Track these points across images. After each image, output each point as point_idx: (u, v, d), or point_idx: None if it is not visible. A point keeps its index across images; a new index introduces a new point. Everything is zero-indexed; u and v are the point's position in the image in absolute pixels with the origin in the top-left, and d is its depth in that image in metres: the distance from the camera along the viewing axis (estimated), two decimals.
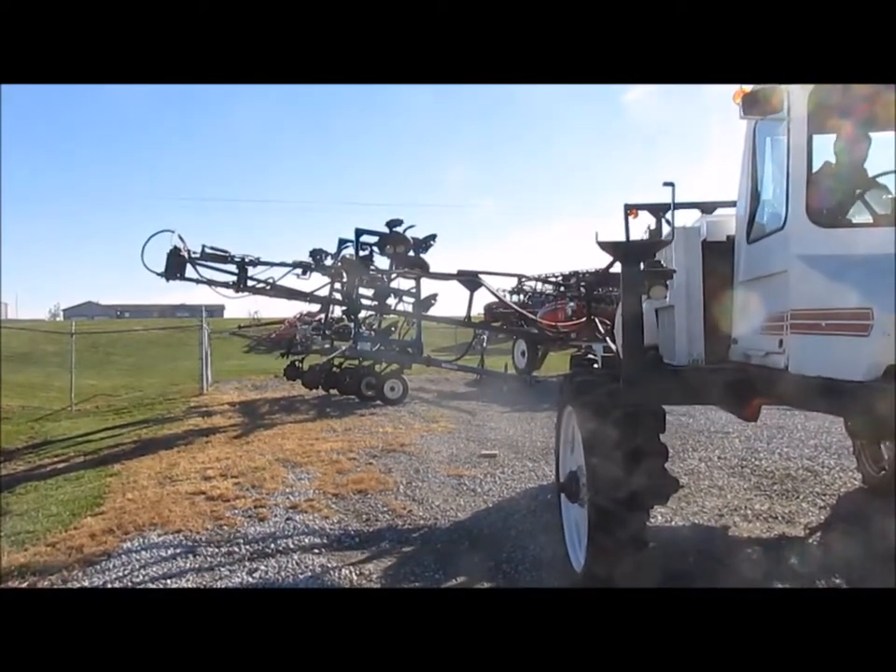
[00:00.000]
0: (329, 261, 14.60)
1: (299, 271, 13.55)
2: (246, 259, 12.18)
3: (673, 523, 5.77)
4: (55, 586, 4.76)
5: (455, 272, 13.01)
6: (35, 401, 15.87)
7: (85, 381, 18.68)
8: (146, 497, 6.99)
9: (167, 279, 11.40)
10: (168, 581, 4.83)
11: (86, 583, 4.82)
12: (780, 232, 3.88)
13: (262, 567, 5.03)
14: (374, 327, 16.09)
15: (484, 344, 17.46)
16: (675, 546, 5.15)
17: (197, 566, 5.10)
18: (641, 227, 6.24)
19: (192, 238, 11.74)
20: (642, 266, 4.11)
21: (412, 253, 13.66)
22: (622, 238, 5.84)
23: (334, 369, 15.52)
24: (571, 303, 16.23)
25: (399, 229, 13.54)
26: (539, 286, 24.86)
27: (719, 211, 5.59)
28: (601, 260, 10.73)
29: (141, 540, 5.66)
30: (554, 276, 24.54)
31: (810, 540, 5.38)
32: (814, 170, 3.88)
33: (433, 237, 14.06)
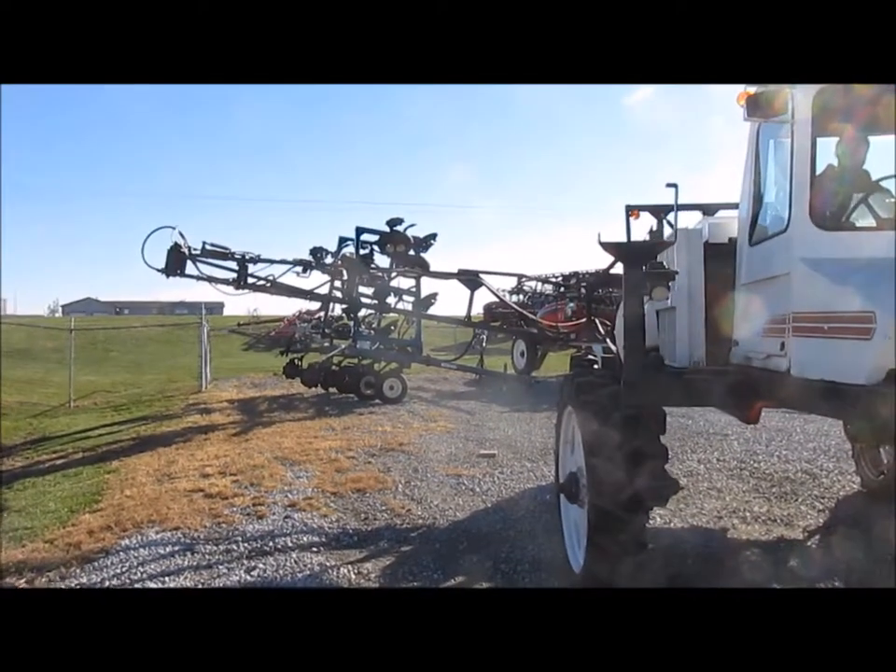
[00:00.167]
0: (329, 260, 14.60)
1: (299, 269, 13.52)
2: (247, 257, 12.16)
3: (672, 524, 5.77)
4: (53, 585, 4.76)
5: (455, 271, 13.00)
6: (34, 397, 15.86)
7: (84, 377, 18.68)
8: (144, 493, 6.99)
9: (167, 275, 11.37)
10: (166, 579, 4.82)
11: (84, 580, 4.81)
12: (783, 235, 3.87)
13: (260, 566, 5.03)
14: (374, 325, 16.08)
15: (484, 344, 17.45)
16: (674, 548, 5.15)
17: (195, 563, 5.10)
18: (643, 228, 6.24)
19: (193, 235, 11.74)
20: (644, 267, 4.10)
21: (412, 252, 13.66)
22: (623, 239, 5.82)
23: (333, 367, 15.51)
24: (571, 304, 16.24)
25: (400, 228, 13.54)
26: (539, 286, 24.84)
27: (721, 213, 5.57)
28: (602, 261, 10.72)
29: (139, 538, 5.66)
30: (555, 277, 24.53)
31: (809, 543, 5.38)
32: (817, 173, 3.87)
33: (433, 236, 14.07)
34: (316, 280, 19.45)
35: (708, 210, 5.65)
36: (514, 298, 25.34)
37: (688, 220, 5.61)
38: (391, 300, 14.40)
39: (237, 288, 12.17)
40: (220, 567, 5.04)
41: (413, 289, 14.02)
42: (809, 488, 6.75)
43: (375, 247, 13.85)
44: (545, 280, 23.89)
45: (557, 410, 5.34)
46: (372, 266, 14.17)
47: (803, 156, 3.75)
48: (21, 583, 4.75)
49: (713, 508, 6.19)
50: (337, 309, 16.35)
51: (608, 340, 8.04)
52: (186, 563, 5.11)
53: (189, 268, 11.60)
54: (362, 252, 13.99)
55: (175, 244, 11.25)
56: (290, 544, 5.50)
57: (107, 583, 4.78)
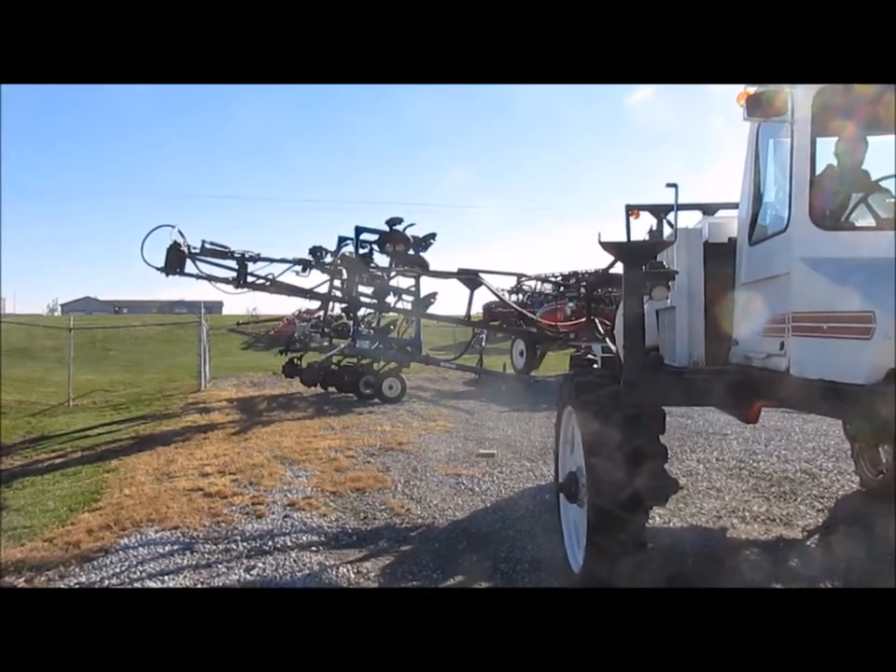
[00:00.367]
0: (328, 259, 14.59)
1: (298, 268, 13.53)
2: (246, 255, 12.17)
3: (671, 524, 5.77)
4: (52, 584, 4.75)
5: (454, 270, 13.00)
6: (33, 396, 15.84)
7: (83, 376, 18.67)
8: (143, 493, 6.99)
9: (167, 274, 11.37)
10: (165, 578, 4.82)
11: (83, 579, 4.81)
12: (783, 235, 3.87)
13: (260, 565, 5.03)
14: (373, 325, 16.08)
15: (483, 344, 17.45)
16: (673, 547, 5.15)
17: (194, 562, 5.10)
18: (643, 228, 6.24)
19: (192, 234, 11.73)
20: (644, 267, 4.10)
21: (411, 251, 13.66)
22: (623, 239, 5.82)
23: (333, 366, 15.50)
24: (570, 303, 16.24)
25: (399, 227, 13.55)
26: (539, 285, 24.83)
27: (721, 213, 5.57)
28: (602, 261, 10.73)
29: (138, 537, 5.66)
30: (554, 276, 24.52)
31: (808, 543, 5.38)
32: (817, 172, 3.87)
33: (433, 236, 14.07)
34: (316, 279, 19.50)
35: (708, 210, 5.66)
36: (514, 297, 25.30)
37: (688, 220, 5.62)
38: (390, 299, 14.41)
39: (236, 287, 12.17)
40: (219, 566, 5.04)
41: (413, 289, 14.02)
42: (808, 488, 6.75)
43: (375, 247, 13.86)
44: (544, 279, 23.87)
45: (557, 409, 5.34)
46: (372, 265, 14.17)
47: (802, 155, 3.75)
48: (21, 582, 4.75)
49: (712, 507, 6.19)
50: (336, 308, 16.34)
51: (607, 339, 8.05)
52: (185, 562, 5.11)
53: (189, 267, 11.61)
54: (362, 251, 13.99)
55: (175, 242, 11.25)
56: (290, 543, 5.50)
57: (106, 582, 4.78)
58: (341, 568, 4.97)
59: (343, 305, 15.28)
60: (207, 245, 11.83)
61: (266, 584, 4.71)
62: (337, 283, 14.75)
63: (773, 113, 3.78)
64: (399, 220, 13.56)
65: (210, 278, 12.04)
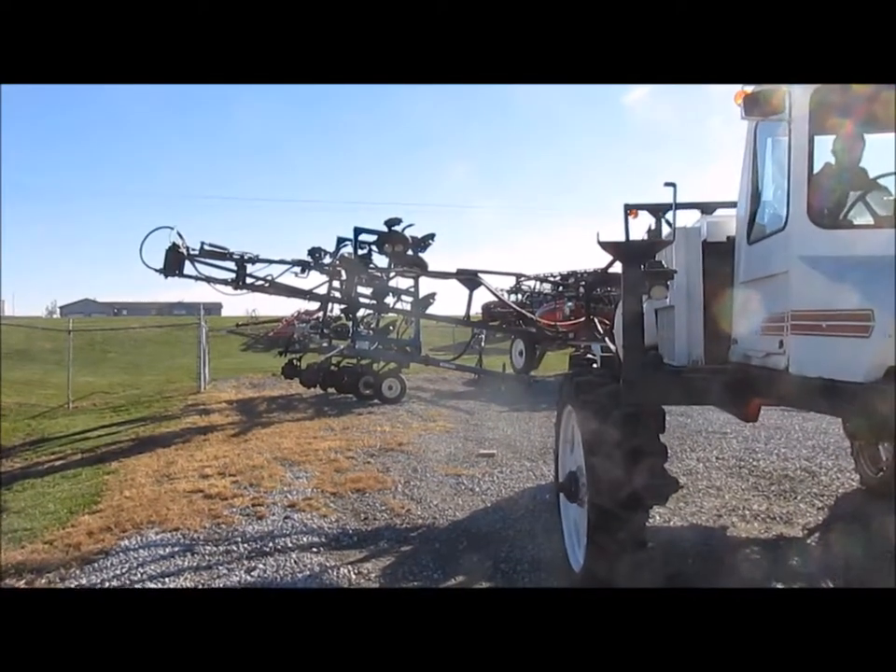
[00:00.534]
0: (327, 260, 14.59)
1: (297, 269, 13.52)
2: (245, 257, 12.15)
3: (672, 523, 5.78)
4: (53, 585, 4.75)
5: (454, 271, 13.01)
6: (33, 398, 15.83)
7: (82, 378, 18.67)
8: (143, 494, 6.99)
9: (165, 276, 11.35)
10: (166, 580, 4.82)
11: (83, 581, 4.81)
12: (781, 233, 3.87)
13: (260, 566, 5.03)
14: (372, 325, 16.08)
15: (482, 344, 17.45)
16: (674, 546, 5.15)
17: (195, 564, 5.10)
18: (641, 227, 6.24)
19: (191, 235, 11.72)
20: (643, 266, 4.11)
21: (410, 252, 13.66)
22: (622, 238, 5.83)
23: (332, 367, 15.50)
24: (570, 303, 16.26)
25: (398, 228, 13.55)
26: (538, 285, 24.84)
27: (719, 211, 5.58)
28: (600, 261, 10.74)
29: (139, 538, 5.65)
30: (553, 276, 24.52)
31: (808, 541, 5.39)
32: (815, 171, 3.87)
33: (432, 236, 14.07)
34: (315, 280, 19.45)
35: (707, 209, 5.66)
36: (513, 297, 25.29)
37: (686, 219, 5.62)
38: (390, 299, 14.42)
39: (236, 289, 12.15)
40: (220, 567, 5.04)
41: (412, 289, 14.02)
42: (808, 486, 6.76)
43: (373, 247, 13.86)
44: (543, 279, 23.88)
45: (556, 409, 5.35)
46: (371, 266, 14.18)
47: (800, 154, 3.75)
48: (21, 585, 4.75)
49: (712, 506, 6.20)
50: (336, 309, 16.36)
51: (606, 339, 8.05)
52: (186, 563, 5.11)
53: (188, 268, 11.59)
54: (360, 252, 14.00)
55: (174, 244, 11.23)
56: (290, 544, 5.50)
57: (107, 584, 4.77)
58: (341, 569, 4.97)
59: (343, 306, 15.30)
60: (206, 247, 11.81)
61: (267, 585, 4.71)
62: (336, 284, 14.74)
63: (770, 111, 3.78)
64: (398, 221, 13.57)
65: (209, 280, 12.02)
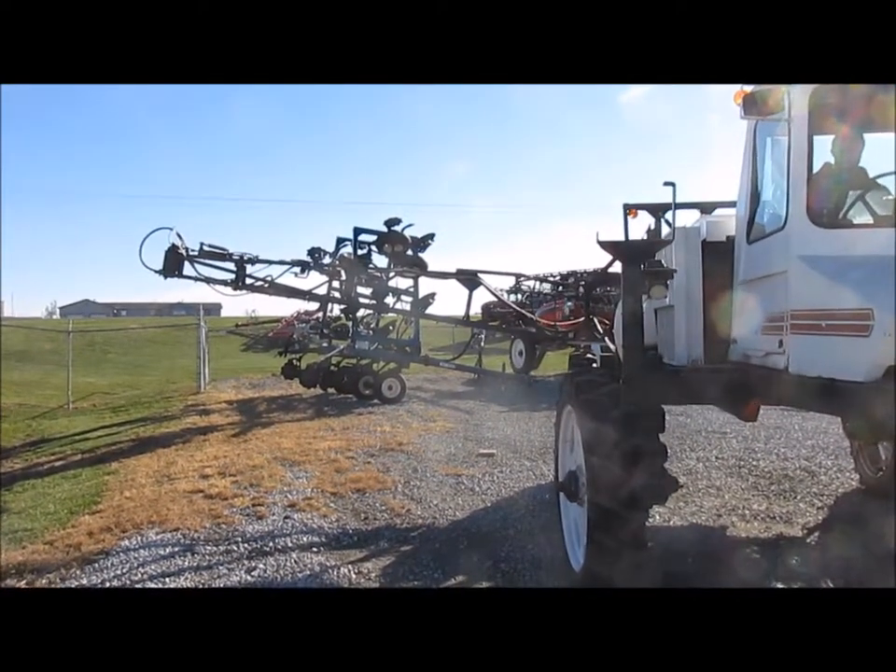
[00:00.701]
0: (327, 260, 14.59)
1: (297, 269, 13.53)
2: (245, 257, 12.15)
3: (672, 523, 5.78)
4: (53, 585, 4.75)
5: (453, 271, 13.01)
6: (33, 399, 15.84)
7: (82, 379, 18.67)
8: (143, 495, 6.99)
9: (165, 277, 11.35)
10: (166, 580, 4.82)
11: (84, 582, 4.81)
12: (780, 233, 3.87)
13: (261, 566, 5.03)
14: (372, 326, 16.08)
15: (482, 344, 17.46)
16: (674, 546, 5.15)
17: (195, 564, 5.10)
18: (641, 227, 6.25)
19: (190, 236, 11.71)
20: (642, 266, 4.11)
21: (410, 252, 13.66)
22: (621, 238, 5.83)
23: (332, 367, 15.50)
24: (569, 303, 16.26)
25: (398, 227, 13.55)
26: (538, 285, 24.85)
27: (718, 211, 5.58)
28: (600, 261, 10.74)
29: (139, 539, 5.65)
30: (553, 276, 24.52)
31: (808, 540, 5.39)
32: (814, 170, 3.88)
33: (431, 236, 14.07)
34: (315, 280, 19.42)
35: (706, 208, 5.66)
36: (512, 297, 25.30)
37: (686, 219, 5.62)
38: (389, 300, 14.42)
39: (235, 289, 12.16)
40: (220, 567, 5.04)
41: (412, 289, 14.02)
42: (808, 486, 6.76)
43: (373, 247, 13.86)
44: (543, 279, 23.89)
45: (556, 409, 5.35)
46: (370, 266, 14.18)
47: (799, 153, 3.76)
48: (22, 585, 4.75)
49: (712, 506, 6.20)
50: (335, 309, 16.36)
51: (606, 339, 8.06)
52: (186, 564, 5.11)
53: (187, 269, 11.59)
54: (360, 252, 14.00)
55: (173, 245, 11.23)
56: (290, 544, 5.50)
57: (108, 585, 4.77)
58: (342, 569, 4.97)
59: (342, 306, 15.30)
60: (205, 248, 11.81)
61: (267, 585, 4.71)
62: (336, 284, 14.75)
63: (769, 111, 3.78)
64: (398, 221, 13.57)
65: (209, 280, 12.02)
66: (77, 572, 4.96)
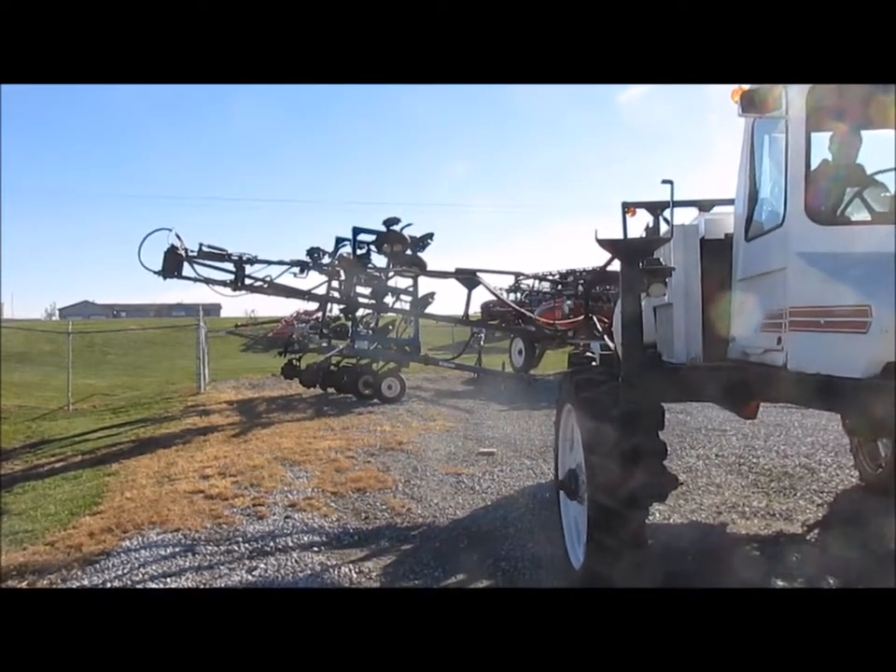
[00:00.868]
0: (326, 260, 14.58)
1: (296, 269, 13.51)
2: (244, 258, 12.13)
3: (671, 520, 5.79)
4: (54, 586, 4.76)
5: (452, 270, 13.00)
6: (32, 401, 15.84)
7: (82, 380, 18.67)
8: (144, 495, 6.99)
9: (164, 277, 11.33)
10: (167, 580, 4.83)
11: (85, 582, 4.81)
12: (779, 230, 3.88)
13: (261, 566, 5.04)
14: (372, 325, 16.08)
15: (481, 343, 17.46)
16: (673, 544, 5.16)
17: (196, 564, 5.10)
18: (639, 225, 6.25)
19: (189, 236, 11.70)
20: (641, 264, 4.11)
21: (409, 251, 13.65)
22: (620, 236, 5.83)
23: (332, 367, 15.50)
24: (568, 301, 16.26)
25: (397, 227, 13.53)
26: (537, 284, 24.85)
27: (717, 209, 5.58)
28: (599, 259, 10.74)
29: (140, 539, 5.66)
30: (552, 274, 24.51)
31: (808, 537, 5.40)
32: (812, 168, 3.88)
33: (430, 236, 14.06)
34: (314, 280, 19.39)
35: (704, 206, 5.66)
36: (512, 296, 25.30)
37: (684, 217, 5.63)
38: (389, 299, 14.41)
39: (234, 290, 12.13)
40: (221, 567, 5.04)
41: (411, 289, 14.02)
42: (808, 483, 6.77)
43: (372, 247, 13.85)
44: (542, 278, 23.88)
45: (556, 407, 5.35)
46: (370, 266, 14.17)
47: (797, 151, 3.76)
48: (23, 587, 4.75)
49: (712, 503, 6.21)
50: (335, 309, 16.35)
51: (605, 337, 8.07)
52: (187, 564, 5.12)
53: (186, 270, 11.56)
54: (359, 252, 13.99)
55: (172, 246, 11.20)
56: (291, 544, 5.50)
57: (109, 585, 4.78)
58: (342, 568, 4.97)
59: (342, 306, 15.29)
60: (204, 248, 11.80)
61: (268, 585, 4.72)
62: (335, 284, 14.74)
63: (767, 109, 3.79)
64: (397, 220, 13.56)
65: (208, 281, 12.00)
66: (79, 573, 4.97)
